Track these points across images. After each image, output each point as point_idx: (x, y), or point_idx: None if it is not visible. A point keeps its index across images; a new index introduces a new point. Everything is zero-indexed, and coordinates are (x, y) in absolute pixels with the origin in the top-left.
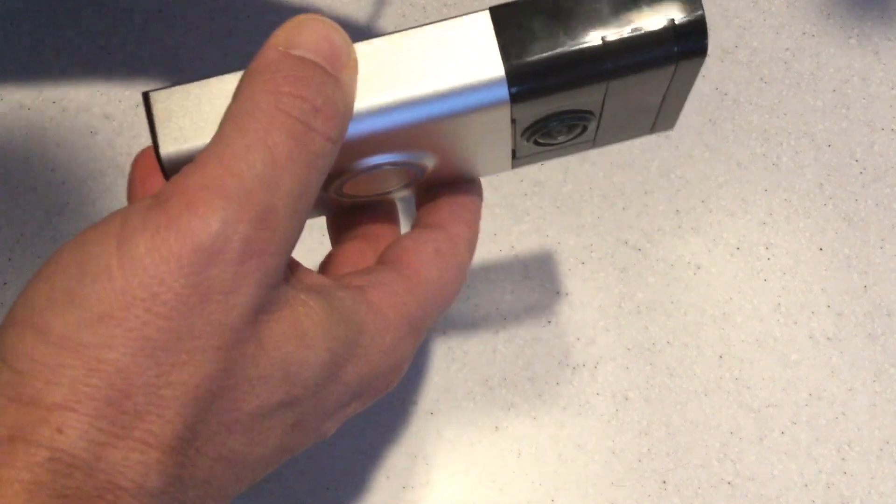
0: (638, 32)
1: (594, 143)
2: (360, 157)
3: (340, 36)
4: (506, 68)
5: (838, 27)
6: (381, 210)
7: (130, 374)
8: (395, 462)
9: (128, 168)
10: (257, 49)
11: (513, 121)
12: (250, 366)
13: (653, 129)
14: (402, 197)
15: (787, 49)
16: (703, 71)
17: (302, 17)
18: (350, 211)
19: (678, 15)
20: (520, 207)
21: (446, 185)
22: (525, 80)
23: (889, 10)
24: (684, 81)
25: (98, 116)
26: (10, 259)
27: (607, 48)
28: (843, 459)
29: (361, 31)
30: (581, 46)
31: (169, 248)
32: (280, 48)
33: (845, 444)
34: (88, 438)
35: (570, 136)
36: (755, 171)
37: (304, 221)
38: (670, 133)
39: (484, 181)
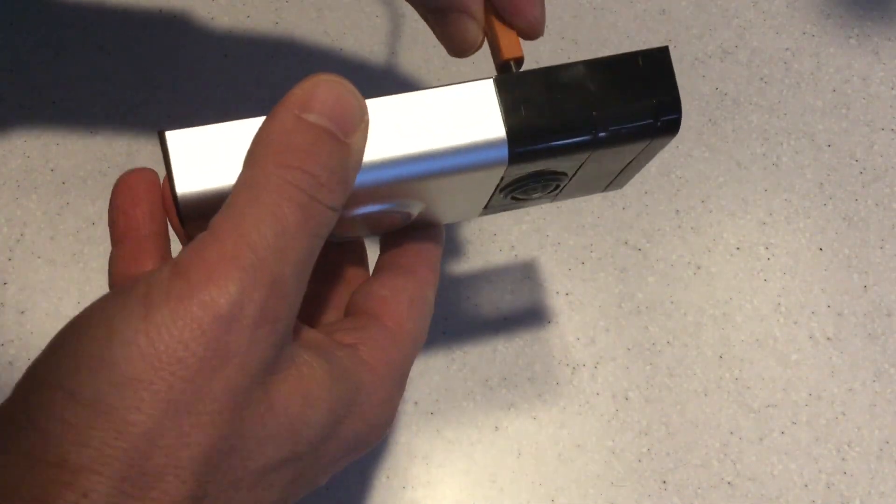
0: (625, 109)
1: (556, 198)
2: (360, 205)
3: (355, 98)
4: (507, 131)
5: (838, 27)
6: (350, 250)
7: (154, 437)
8: (395, 462)
9: (128, 168)
10: (256, 48)
11: (501, 177)
12: (259, 426)
13: (606, 189)
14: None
15: (787, 49)
16: (703, 71)
17: (320, 77)
18: (324, 258)
19: (658, 95)
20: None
21: (410, 229)
22: (524, 143)
23: (889, 10)
24: (650, 154)
25: (98, 116)
26: (10, 259)
27: (598, 119)
28: (843, 459)
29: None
30: (575, 118)
31: (192, 315)
32: (295, 111)
33: (845, 444)
34: (111, 502)
35: (542, 194)
36: (755, 171)
37: (306, 283)
38: None
39: None
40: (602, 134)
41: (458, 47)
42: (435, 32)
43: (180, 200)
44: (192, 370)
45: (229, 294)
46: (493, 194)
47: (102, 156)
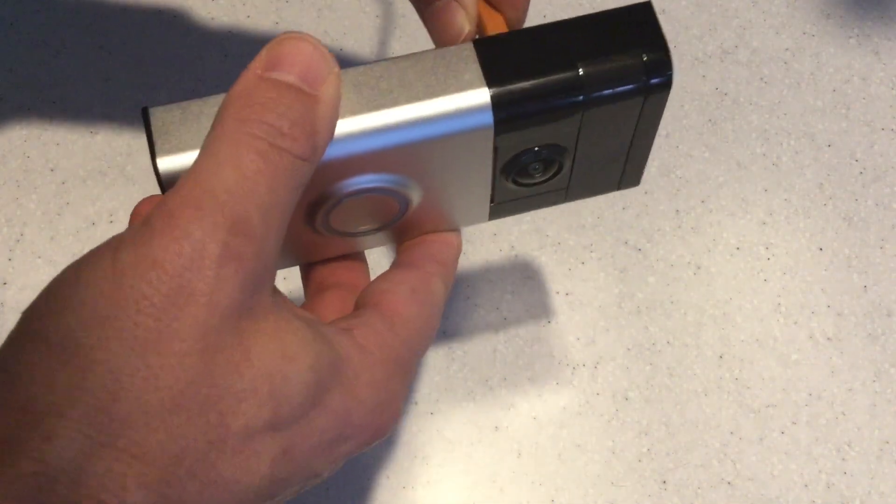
0: (612, 64)
1: (567, 192)
2: (348, 176)
3: (319, 52)
4: (491, 94)
5: (838, 27)
6: (354, 263)
7: (120, 376)
8: (395, 462)
9: (128, 168)
10: (256, 48)
11: (495, 149)
12: (235, 377)
13: (620, 185)
14: (384, 245)
15: (787, 49)
16: (703, 71)
17: (283, 36)
18: (323, 265)
19: (647, 51)
20: None
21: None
22: (508, 105)
23: (889, 10)
24: (650, 122)
25: (98, 116)
26: (10, 259)
27: (584, 78)
28: (843, 459)
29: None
30: (561, 75)
31: (154, 256)
32: (258, 71)
33: (845, 444)
34: (75, 448)
35: (547, 177)
36: (755, 171)
37: (281, 235)
38: (670, 133)
39: None
40: (587, 93)
41: (444, 36)
42: (424, 21)
43: (162, 175)
44: (158, 307)
45: (190, 235)
46: (494, 178)
47: (102, 156)
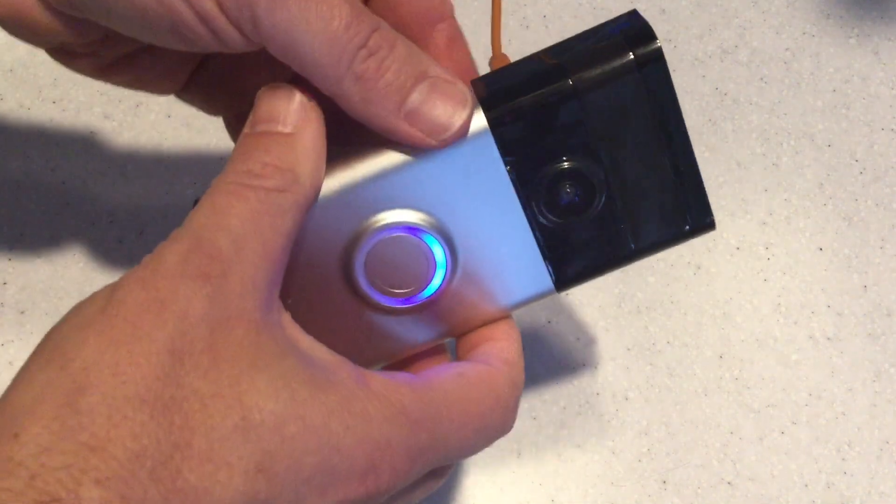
0: (601, 65)
1: (626, 235)
2: (369, 214)
3: (281, 92)
4: (487, 117)
5: (838, 27)
6: (438, 363)
7: (90, 371)
8: None
9: (128, 168)
10: None
11: (511, 175)
12: (202, 380)
13: (689, 223)
14: (448, 337)
15: (787, 49)
16: (703, 71)
17: (259, 92)
18: (405, 365)
19: (634, 45)
20: None
21: (484, 331)
22: (505, 123)
23: (889, 10)
24: (670, 126)
25: (98, 116)
26: (10, 259)
27: (575, 83)
28: (843, 459)
29: None
30: (551, 85)
31: (139, 275)
32: (246, 130)
33: (845, 444)
34: (37, 442)
35: (587, 205)
36: (755, 171)
37: (267, 259)
38: None
39: None
40: (582, 90)
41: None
42: None
43: None
44: (132, 311)
45: (165, 258)
46: (528, 214)
47: (102, 156)
